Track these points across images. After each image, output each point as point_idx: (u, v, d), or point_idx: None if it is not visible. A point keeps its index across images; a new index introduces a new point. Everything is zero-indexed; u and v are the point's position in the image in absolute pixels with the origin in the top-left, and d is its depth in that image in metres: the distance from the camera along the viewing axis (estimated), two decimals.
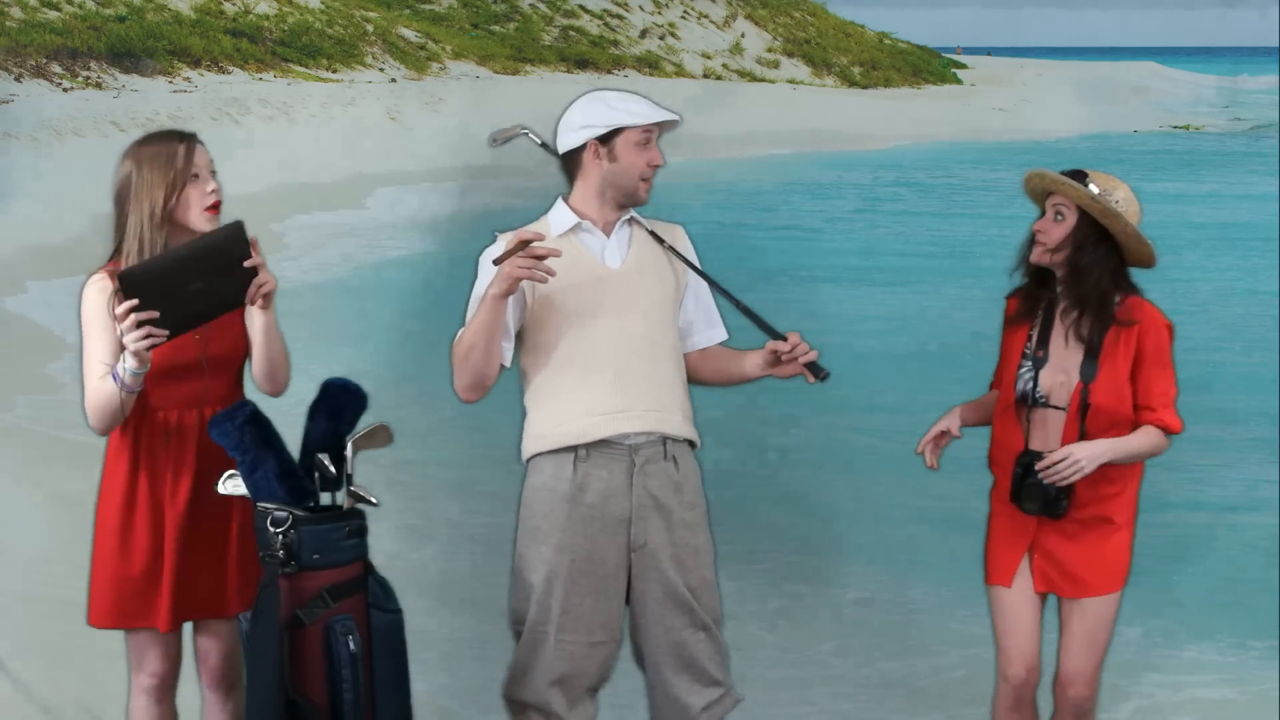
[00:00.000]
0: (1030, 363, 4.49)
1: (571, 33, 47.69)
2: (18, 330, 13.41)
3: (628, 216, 4.43)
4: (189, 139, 4.27)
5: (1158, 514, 8.57)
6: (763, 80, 49.96)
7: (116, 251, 4.22)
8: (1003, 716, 4.67)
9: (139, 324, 3.93)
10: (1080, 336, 4.44)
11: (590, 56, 45.95)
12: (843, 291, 17.59)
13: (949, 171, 33.12)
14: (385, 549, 4.17)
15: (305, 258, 18.68)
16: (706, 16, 53.19)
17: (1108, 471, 4.43)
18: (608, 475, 4.27)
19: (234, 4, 37.10)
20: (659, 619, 4.34)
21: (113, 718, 5.72)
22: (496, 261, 4.12)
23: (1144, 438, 4.44)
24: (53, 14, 32.16)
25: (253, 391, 4.33)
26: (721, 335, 4.56)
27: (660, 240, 4.45)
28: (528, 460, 4.38)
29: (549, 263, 4.11)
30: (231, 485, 4.12)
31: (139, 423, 4.23)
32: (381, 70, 37.97)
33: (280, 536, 3.98)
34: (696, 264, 4.48)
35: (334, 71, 36.38)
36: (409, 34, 41.50)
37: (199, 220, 4.22)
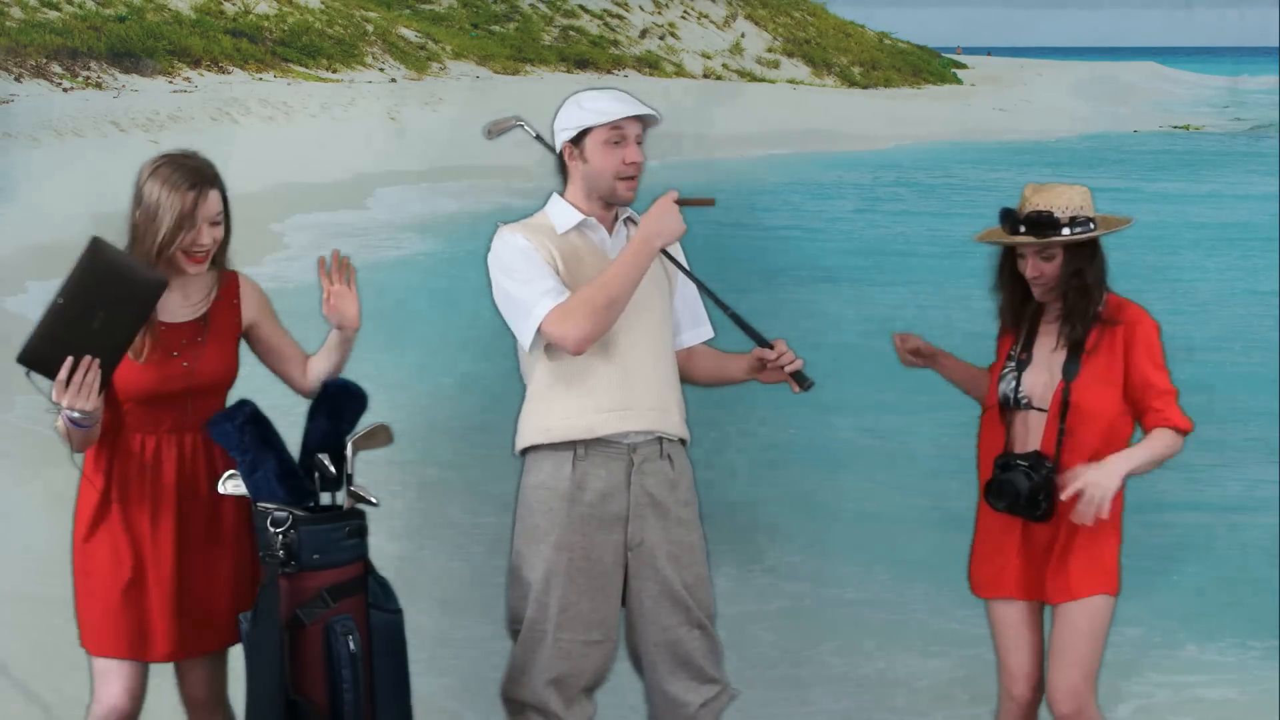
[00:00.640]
0: (1014, 364, 4.46)
1: (571, 33, 47.69)
2: (18, 330, 13.33)
3: (625, 215, 4.43)
4: (201, 187, 4.19)
5: (1158, 514, 8.58)
6: (763, 80, 49.96)
7: None
8: None
9: (69, 386, 3.93)
10: (1065, 337, 4.40)
11: (590, 56, 45.94)
12: (843, 291, 17.58)
13: (949, 171, 33.10)
14: (385, 549, 4.17)
15: (305, 258, 18.66)
16: (706, 16, 53.18)
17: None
18: (606, 474, 4.27)
19: (234, 4, 37.10)
20: (655, 618, 4.34)
21: None
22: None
23: (1159, 441, 4.37)
24: (53, 14, 32.16)
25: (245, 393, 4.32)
26: (708, 334, 4.57)
27: None
28: (523, 453, 4.37)
29: None
30: (232, 485, 4.11)
31: (113, 449, 4.16)
32: (381, 70, 37.97)
33: (280, 536, 3.98)
34: (684, 264, 4.48)
35: (334, 71, 36.38)
36: (409, 34, 41.50)
37: (184, 265, 4.16)
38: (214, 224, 4.17)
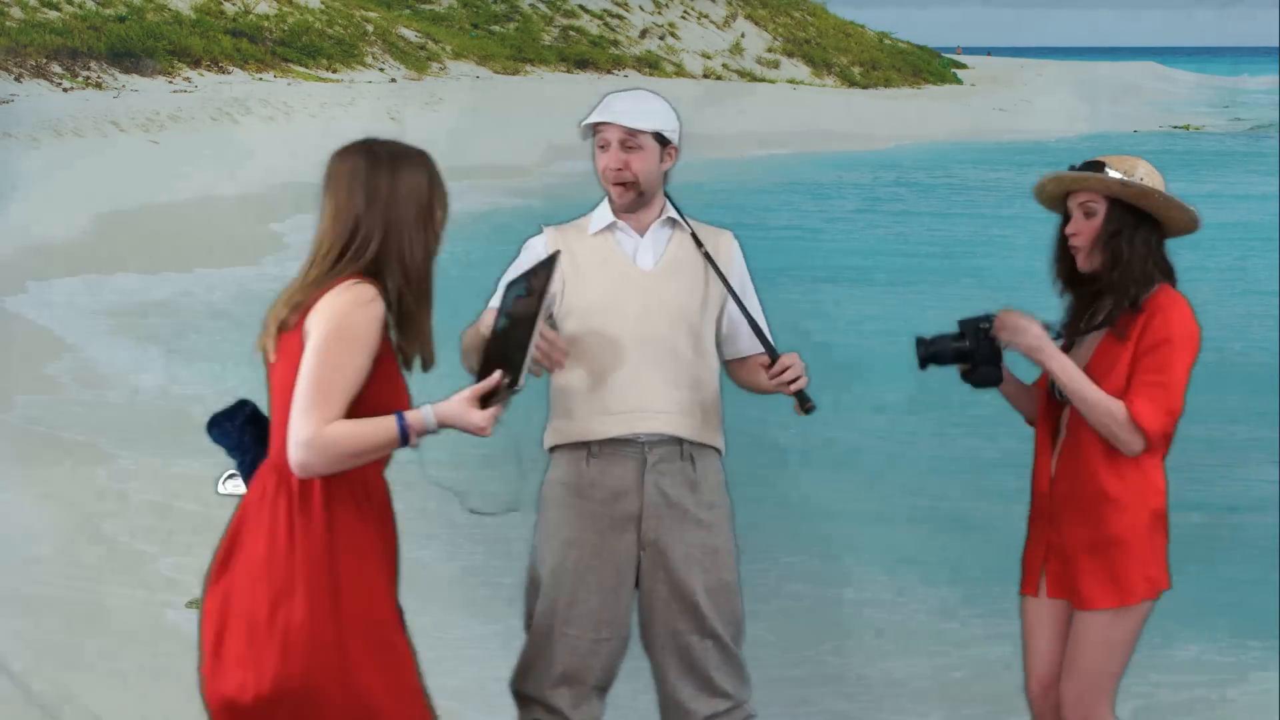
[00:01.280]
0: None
1: (571, 33, 47.69)
2: (18, 330, 13.41)
3: (667, 217, 4.40)
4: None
5: None
6: (763, 80, 49.96)
7: (372, 262, 3.60)
8: None
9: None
10: (1097, 315, 4.26)
11: (590, 56, 45.94)
12: (843, 291, 17.59)
13: (949, 171, 33.12)
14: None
15: (305, 258, 18.66)
16: (706, 16, 53.18)
17: (1106, 483, 4.22)
18: (619, 472, 4.27)
19: (234, 4, 37.10)
20: (664, 620, 4.32)
21: (113, 718, 5.74)
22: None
23: (1098, 392, 4.15)
24: (53, 14, 32.17)
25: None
26: (758, 348, 4.40)
27: (699, 243, 4.40)
28: (549, 451, 4.40)
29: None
30: (231, 485, 4.11)
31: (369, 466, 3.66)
32: (381, 70, 37.97)
33: None
34: (739, 270, 4.47)
35: (334, 71, 36.39)
36: (409, 34, 41.51)
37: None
38: None
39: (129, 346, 13.23)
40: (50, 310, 14.29)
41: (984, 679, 6.67)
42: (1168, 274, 4.33)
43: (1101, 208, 4.26)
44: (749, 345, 4.43)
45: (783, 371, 4.27)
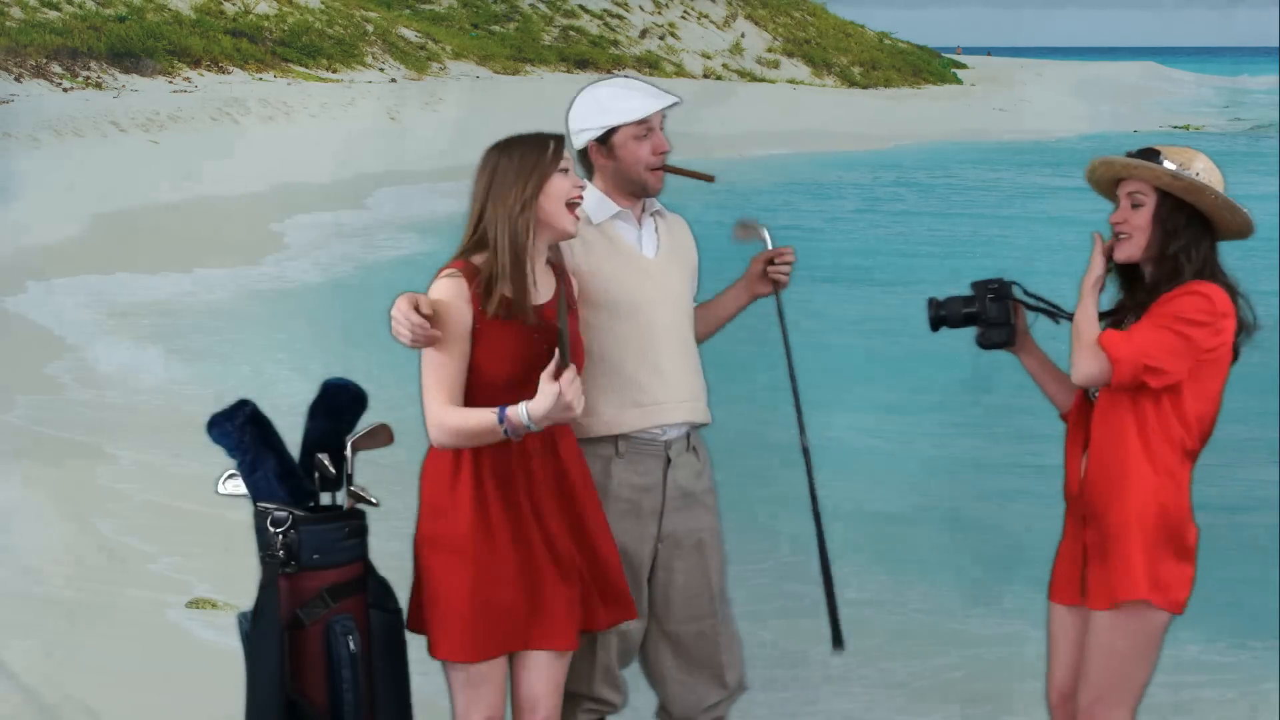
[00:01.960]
0: None
1: (571, 33, 47.70)
2: (18, 330, 13.41)
3: (654, 210, 4.44)
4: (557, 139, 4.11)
5: None
6: (763, 80, 49.96)
7: (477, 246, 4.02)
8: None
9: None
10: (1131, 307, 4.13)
11: (590, 56, 45.95)
12: (843, 291, 17.59)
13: (949, 171, 33.12)
14: (386, 549, 4.17)
15: (305, 258, 18.68)
16: (706, 16, 53.18)
17: (1126, 484, 4.10)
18: (643, 469, 4.31)
19: (234, 4, 37.10)
20: (683, 608, 4.38)
21: (113, 717, 5.73)
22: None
23: (1091, 320, 4.05)
24: (53, 14, 32.17)
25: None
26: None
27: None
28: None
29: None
30: (231, 485, 4.11)
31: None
32: (381, 70, 37.97)
33: (280, 536, 3.98)
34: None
35: (334, 71, 36.39)
36: (409, 34, 41.50)
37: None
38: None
39: (129, 346, 13.23)
40: (50, 310, 14.28)
41: (984, 679, 6.67)
42: (1223, 275, 4.17)
43: (1150, 200, 4.08)
44: None
45: (781, 255, 4.51)
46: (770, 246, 4.57)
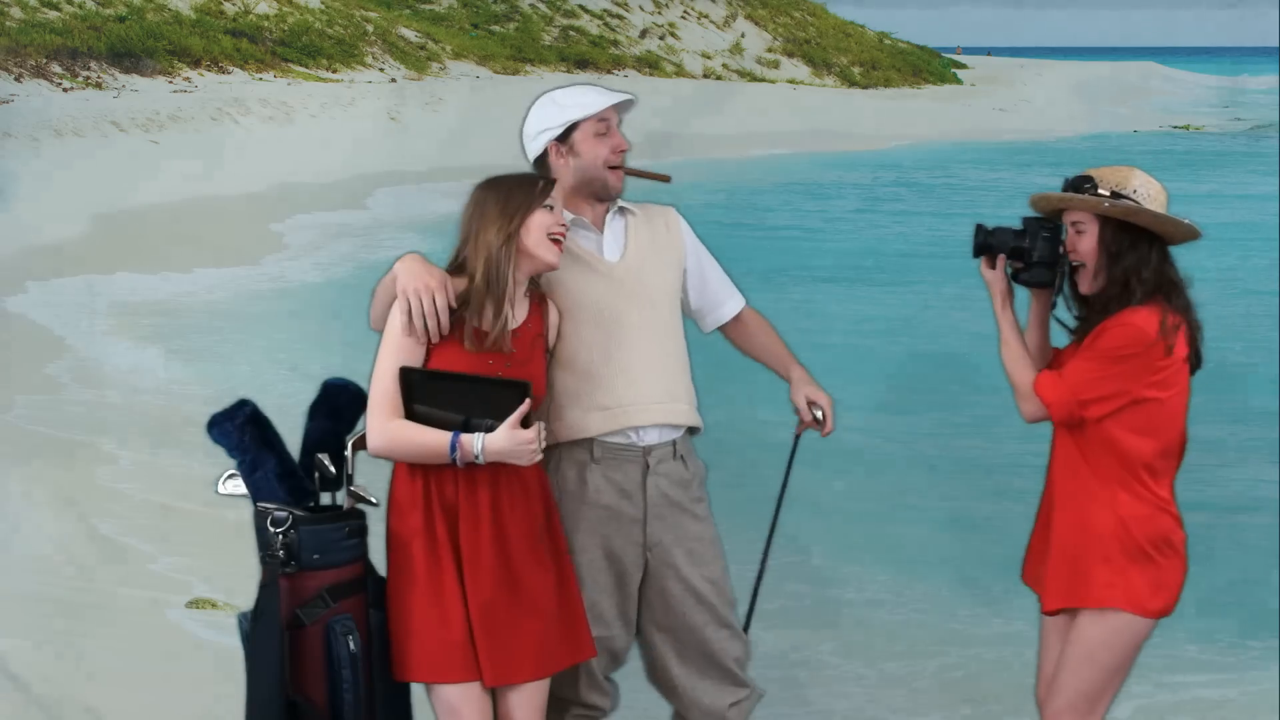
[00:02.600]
0: None
1: (571, 33, 47.69)
2: (18, 330, 13.41)
3: (618, 207, 4.43)
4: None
5: None
6: (763, 80, 49.96)
7: (455, 272, 4.11)
8: None
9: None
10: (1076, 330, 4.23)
11: (590, 56, 45.94)
12: (843, 291, 17.59)
13: (949, 171, 33.11)
14: (384, 549, 4.17)
15: (305, 258, 18.69)
16: (706, 16, 53.18)
17: (1057, 490, 4.21)
18: (621, 478, 4.29)
19: (234, 4, 37.10)
20: (681, 618, 4.36)
21: (113, 717, 5.73)
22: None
23: (1025, 359, 4.20)
24: (53, 14, 32.17)
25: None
26: (740, 302, 4.59)
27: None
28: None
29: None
30: (231, 485, 4.11)
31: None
32: (381, 70, 37.97)
33: (280, 536, 3.98)
34: (691, 239, 4.52)
35: (334, 71, 36.38)
36: (409, 34, 41.50)
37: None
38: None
39: (129, 346, 13.23)
40: (50, 310, 14.28)
41: (984, 679, 6.68)
42: (1172, 286, 4.17)
43: (1092, 227, 4.15)
44: (729, 309, 4.57)
45: (819, 413, 4.59)
46: (825, 429, 4.69)
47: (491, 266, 4.04)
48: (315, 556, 4.00)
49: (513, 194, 4.11)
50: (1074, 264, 4.20)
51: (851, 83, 53.14)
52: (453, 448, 3.93)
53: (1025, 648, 6.51)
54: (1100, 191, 4.14)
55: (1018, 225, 4.31)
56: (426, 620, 4.00)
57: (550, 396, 4.31)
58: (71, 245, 17.33)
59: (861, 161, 34.70)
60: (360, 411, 4.21)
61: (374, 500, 4.13)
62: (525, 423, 3.93)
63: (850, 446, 10.64)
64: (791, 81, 50.67)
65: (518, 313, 4.11)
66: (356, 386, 4.22)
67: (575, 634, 4.15)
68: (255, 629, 4.00)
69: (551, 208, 4.12)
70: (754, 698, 4.47)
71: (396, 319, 4.04)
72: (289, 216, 21.03)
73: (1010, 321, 4.27)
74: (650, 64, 47.57)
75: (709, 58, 50.31)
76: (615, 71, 45.35)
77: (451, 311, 4.04)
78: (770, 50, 53.09)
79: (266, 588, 4.00)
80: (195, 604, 6.96)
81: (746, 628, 4.50)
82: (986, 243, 4.33)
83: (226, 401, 4.14)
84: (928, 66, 58.42)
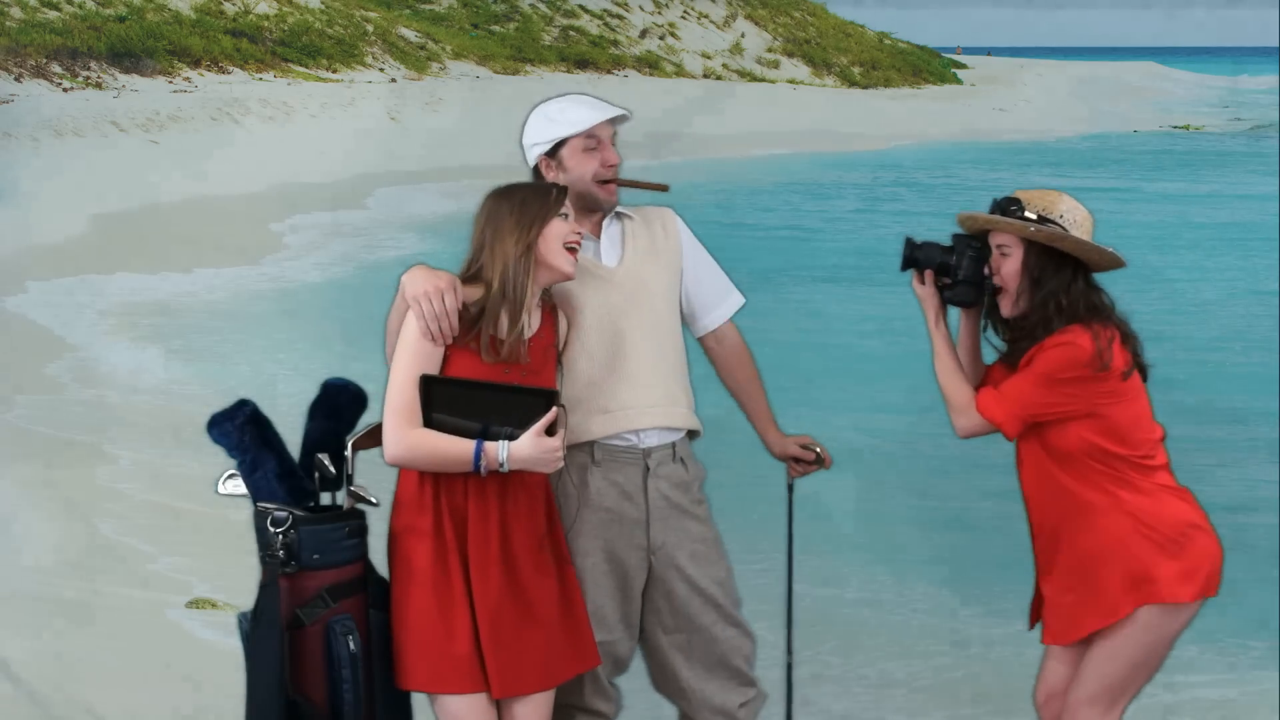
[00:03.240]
0: None
1: (571, 33, 47.69)
2: (18, 330, 13.42)
3: (614, 213, 4.43)
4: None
5: None
6: (763, 80, 49.97)
7: (470, 281, 4.10)
8: None
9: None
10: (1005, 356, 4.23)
11: (590, 56, 45.94)
12: (843, 291, 17.59)
13: (949, 171, 33.11)
14: (386, 549, 4.17)
15: (305, 258, 18.69)
16: (706, 16, 53.19)
17: (1054, 503, 4.23)
18: (622, 480, 4.29)
19: (234, 4, 37.11)
20: (689, 619, 4.36)
21: (113, 717, 5.73)
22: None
23: (959, 373, 4.27)
24: (53, 14, 32.18)
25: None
26: (735, 304, 4.57)
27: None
28: None
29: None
30: (231, 485, 4.11)
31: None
32: (381, 70, 37.98)
33: (280, 536, 3.98)
34: (689, 241, 4.50)
35: (334, 71, 36.40)
36: (409, 34, 41.51)
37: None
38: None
39: (129, 346, 13.23)
40: (50, 310, 14.29)
41: (983, 679, 6.67)
42: (1094, 311, 4.12)
43: (1016, 250, 4.13)
44: (720, 314, 4.55)
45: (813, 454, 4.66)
46: (824, 465, 4.77)
47: (509, 276, 4.02)
48: (315, 556, 4.00)
49: (528, 203, 4.09)
50: (995, 286, 4.19)
51: (851, 83, 53.14)
52: (476, 456, 3.92)
53: (1025, 648, 6.50)
54: (1027, 215, 4.11)
55: (947, 242, 4.30)
56: (433, 629, 3.99)
57: None
58: (71, 245, 17.33)
59: (861, 161, 34.69)
60: (360, 411, 4.21)
61: (374, 500, 4.13)
62: (549, 431, 3.92)
63: (850, 446, 10.65)
64: (791, 81, 50.67)
65: (532, 322, 4.10)
66: (356, 386, 4.22)
67: (580, 642, 4.14)
68: (255, 629, 4.00)
69: (566, 216, 4.11)
70: (761, 698, 4.48)
71: (412, 326, 4.03)
72: (289, 216, 21.02)
73: (944, 336, 4.30)
74: (650, 64, 47.57)
75: (709, 58, 50.32)
76: (615, 71, 45.36)
77: (463, 318, 4.03)
78: (770, 50, 53.09)
79: (266, 588, 4.00)
80: (195, 604, 6.97)
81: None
82: (913, 257, 4.33)
83: (226, 401, 4.14)
84: (928, 66, 58.42)
